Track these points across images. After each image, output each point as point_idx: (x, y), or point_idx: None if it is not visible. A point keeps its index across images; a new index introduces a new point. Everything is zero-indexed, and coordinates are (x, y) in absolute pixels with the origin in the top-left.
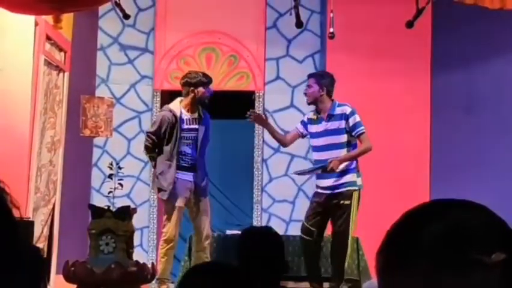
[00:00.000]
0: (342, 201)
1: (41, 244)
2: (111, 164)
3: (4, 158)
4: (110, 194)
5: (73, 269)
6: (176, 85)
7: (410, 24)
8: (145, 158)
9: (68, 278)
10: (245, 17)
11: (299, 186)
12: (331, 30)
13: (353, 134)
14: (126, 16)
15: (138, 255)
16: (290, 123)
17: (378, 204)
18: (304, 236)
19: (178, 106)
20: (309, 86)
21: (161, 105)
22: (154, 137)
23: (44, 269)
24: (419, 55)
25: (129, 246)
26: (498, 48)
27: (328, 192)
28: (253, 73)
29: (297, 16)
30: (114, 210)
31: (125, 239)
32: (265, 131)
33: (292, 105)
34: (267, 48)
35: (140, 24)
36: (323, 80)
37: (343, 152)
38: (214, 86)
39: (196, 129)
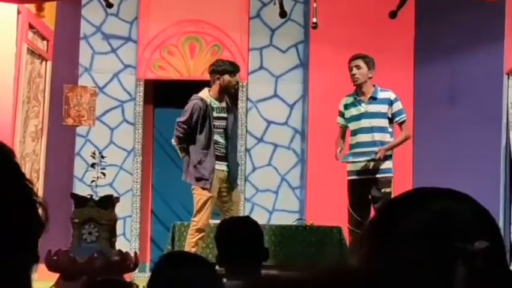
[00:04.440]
0: (383, 189)
1: None
2: (94, 153)
3: None
4: (93, 183)
5: (55, 258)
6: (160, 74)
7: (393, 15)
8: (128, 147)
9: (51, 267)
10: (229, 6)
11: (282, 176)
12: (314, 20)
13: (395, 120)
14: (109, 5)
15: (121, 245)
16: (273, 113)
17: None
18: (355, 230)
19: (207, 95)
20: (357, 67)
21: (145, 95)
22: (185, 126)
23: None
24: (403, 46)
25: (112, 236)
26: (482, 40)
27: (367, 176)
28: (237, 63)
29: (281, 6)
30: (97, 199)
31: (108, 228)
32: (249, 120)
33: (275, 95)
34: (251, 38)
35: (123, 13)
36: (370, 62)
37: (386, 137)
38: (196, 76)
39: (225, 118)
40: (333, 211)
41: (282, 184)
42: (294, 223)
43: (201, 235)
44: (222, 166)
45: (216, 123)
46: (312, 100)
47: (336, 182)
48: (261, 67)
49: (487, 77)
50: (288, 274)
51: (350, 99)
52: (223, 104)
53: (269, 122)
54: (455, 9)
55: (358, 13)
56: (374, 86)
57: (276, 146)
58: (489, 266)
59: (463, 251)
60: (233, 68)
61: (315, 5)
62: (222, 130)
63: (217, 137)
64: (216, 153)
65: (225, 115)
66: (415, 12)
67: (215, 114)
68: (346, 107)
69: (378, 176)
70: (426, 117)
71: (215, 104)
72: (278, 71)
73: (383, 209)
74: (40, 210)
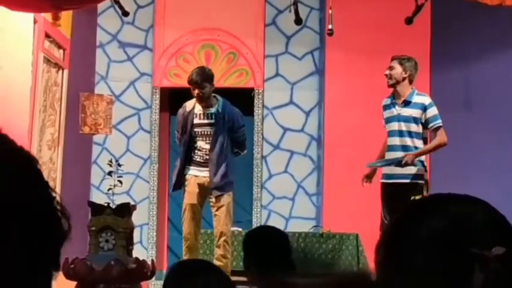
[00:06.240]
0: (413, 197)
1: None
2: (110, 161)
3: None
4: (110, 191)
5: (72, 266)
6: (175, 82)
7: (409, 21)
8: (144, 155)
9: (68, 275)
10: (244, 14)
11: (299, 183)
12: (330, 27)
13: (429, 126)
14: (125, 13)
15: (138, 252)
16: (289, 120)
17: (378, 200)
18: None
19: (193, 101)
20: (390, 68)
21: (161, 103)
22: (178, 134)
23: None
24: (419, 52)
25: (129, 243)
26: (498, 45)
27: (396, 181)
28: (253, 70)
29: (296, 13)
30: (114, 207)
31: (125, 236)
32: (265, 127)
33: (291, 102)
34: (266, 45)
35: (139, 21)
36: (408, 62)
37: (417, 142)
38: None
39: (211, 124)
40: (350, 218)
41: (298, 191)
42: (311, 230)
43: (187, 244)
44: (203, 172)
45: (198, 129)
46: (328, 107)
47: (353, 188)
48: (277, 74)
49: (503, 82)
50: (304, 281)
51: (388, 101)
52: (211, 110)
53: (285, 129)
54: (471, 14)
55: (374, 19)
56: (412, 88)
57: (292, 153)
58: (507, 272)
59: (480, 257)
60: (189, 80)
61: (330, 11)
62: (207, 136)
63: (201, 143)
64: (198, 159)
65: (209, 121)
66: (431, 17)
67: (197, 121)
68: (384, 108)
69: (406, 181)
70: (443, 122)
71: (199, 110)
72: (294, 78)
73: (399, 215)
74: (63, 220)
